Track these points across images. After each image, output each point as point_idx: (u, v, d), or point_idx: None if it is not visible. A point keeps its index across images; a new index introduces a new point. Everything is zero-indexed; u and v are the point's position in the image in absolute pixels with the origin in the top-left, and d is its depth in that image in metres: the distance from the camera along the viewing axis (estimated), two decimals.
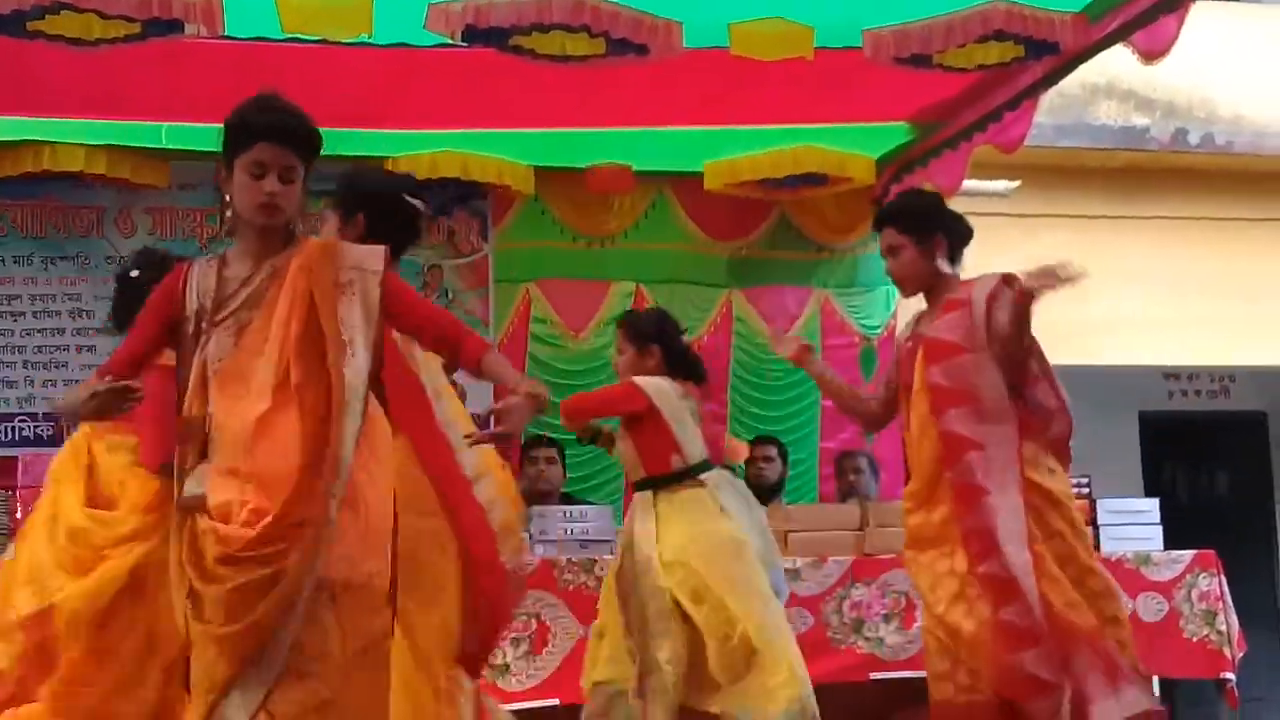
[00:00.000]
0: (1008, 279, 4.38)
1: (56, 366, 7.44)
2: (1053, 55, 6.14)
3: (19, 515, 5.50)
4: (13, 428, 7.32)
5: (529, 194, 7.96)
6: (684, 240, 8.38)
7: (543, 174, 7.93)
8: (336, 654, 3.19)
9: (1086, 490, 6.50)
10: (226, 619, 3.14)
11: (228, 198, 3.43)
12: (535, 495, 6.91)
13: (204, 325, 3.37)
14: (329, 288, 3.34)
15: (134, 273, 4.43)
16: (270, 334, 3.30)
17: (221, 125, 3.47)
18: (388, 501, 3.41)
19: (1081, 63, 6.49)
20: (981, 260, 9.25)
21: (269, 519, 3.15)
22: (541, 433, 7.11)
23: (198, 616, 3.19)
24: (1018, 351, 4.36)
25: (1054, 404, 4.49)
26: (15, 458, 6.22)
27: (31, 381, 7.40)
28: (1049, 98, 7.32)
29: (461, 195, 7.88)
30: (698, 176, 7.99)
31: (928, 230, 4.61)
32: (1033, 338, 4.42)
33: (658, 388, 5.10)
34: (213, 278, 3.41)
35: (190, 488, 3.29)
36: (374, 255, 3.44)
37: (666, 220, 8.37)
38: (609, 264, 8.29)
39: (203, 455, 3.31)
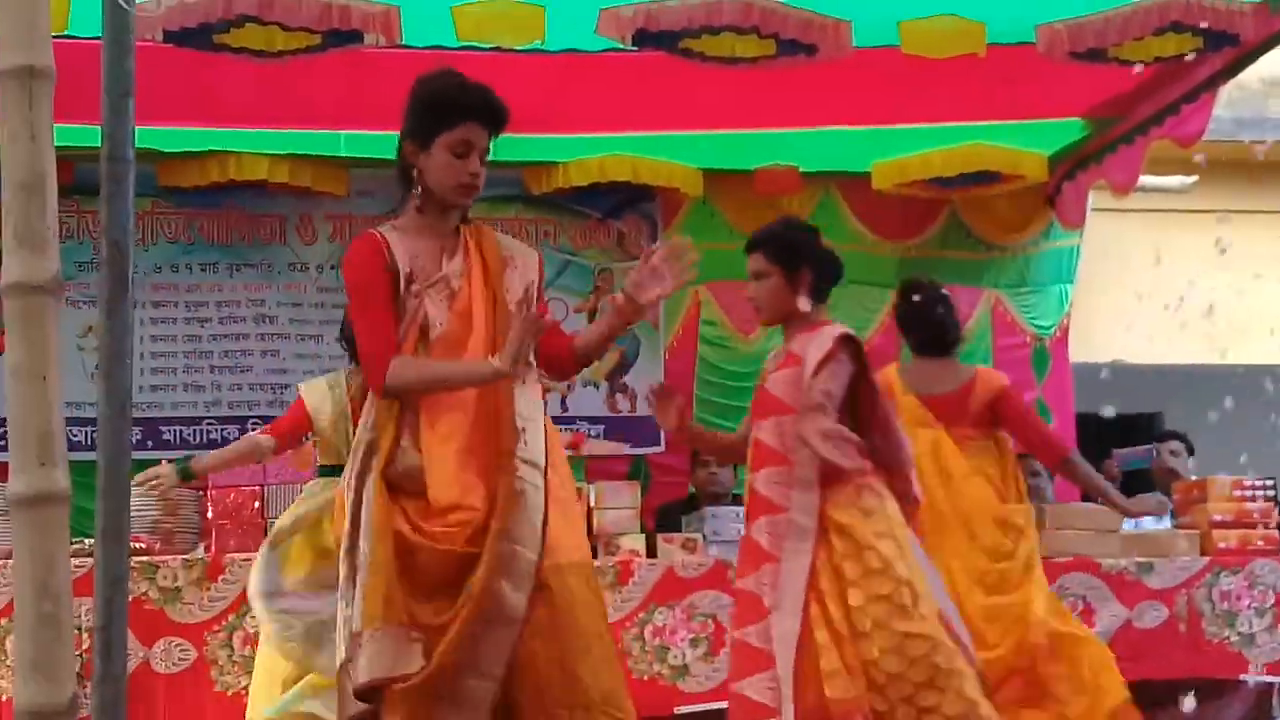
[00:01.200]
0: (843, 340, 4.31)
1: (241, 371, 7.66)
2: (1232, 47, 6.01)
3: (209, 515, 5.68)
4: (201, 430, 7.55)
5: (697, 196, 7.99)
6: (852, 240, 8.31)
7: (711, 176, 7.96)
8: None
9: (1272, 492, 6.36)
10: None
11: (416, 172, 3.44)
12: (707, 497, 6.94)
13: (414, 289, 3.41)
14: (497, 259, 3.49)
15: None
16: (474, 306, 3.41)
17: (418, 99, 3.48)
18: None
19: (1262, 54, 6.34)
20: (1158, 256, 9.09)
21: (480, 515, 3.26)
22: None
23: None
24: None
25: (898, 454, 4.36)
26: None
27: (218, 386, 7.63)
28: (1227, 91, 7.16)
29: (631, 198, 7.95)
30: (866, 176, 7.95)
31: (796, 262, 4.50)
32: (873, 386, 4.35)
33: None
34: (407, 246, 3.44)
35: (402, 460, 3.34)
36: (530, 253, 3.63)
37: (834, 221, 8.31)
38: None
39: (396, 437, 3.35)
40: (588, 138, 7.53)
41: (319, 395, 5.22)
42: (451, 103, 3.44)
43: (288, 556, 4.96)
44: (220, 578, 5.44)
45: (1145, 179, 8.04)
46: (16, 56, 2.15)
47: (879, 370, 5.07)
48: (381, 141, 7.43)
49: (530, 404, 3.39)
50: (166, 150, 7.29)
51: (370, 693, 3.22)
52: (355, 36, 5.45)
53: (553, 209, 8.01)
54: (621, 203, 7.97)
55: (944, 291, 5.48)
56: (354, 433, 3.79)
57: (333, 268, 7.83)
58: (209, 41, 5.47)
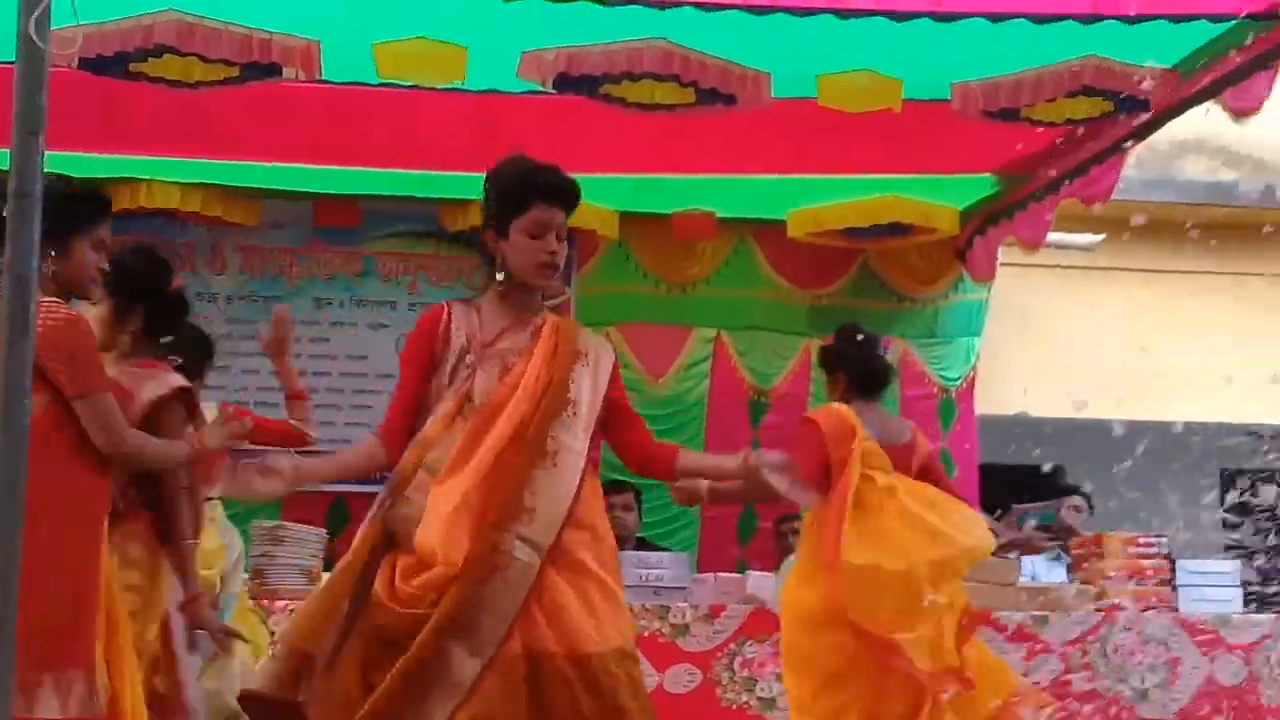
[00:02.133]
0: None
1: None
2: (1142, 111, 6.12)
3: None
4: None
5: (614, 239, 8.01)
6: (766, 288, 8.39)
7: (628, 219, 7.98)
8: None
9: (1166, 550, 6.46)
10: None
11: (499, 259, 3.58)
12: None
13: (467, 360, 3.56)
14: (571, 352, 3.59)
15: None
16: (523, 383, 3.51)
17: (490, 189, 3.63)
18: None
19: (1171, 119, 6.47)
20: (1064, 313, 9.26)
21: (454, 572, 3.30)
22: (618, 478, 7.14)
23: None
24: None
25: None
26: None
27: None
28: (1136, 152, 7.30)
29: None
30: (781, 225, 8.02)
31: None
32: None
33: None
34: (475, 320, 3.60)
35: (405, 504, 3.44)
36: (609, 350, 3.73)
37: (749, 267, 8.39)
38: (690, 310, 8.33)
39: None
40: None
41: None
42: (521, 188, 3.57)
43: None
44: None
45: (1053, 236, 8.17)
46: None
47: (826, 410, 5.10)
48: (296, 174, 7.42)
49: (555, 486, 3.44)
50: (77, 176, 7.18)
51: (250, 703, 3.36)
52: (274, 70, 5.42)
53: (468, 247, 7.97)
54: None
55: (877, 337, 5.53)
56: None
57: (242, 299, 7.76)
58: (125, 70, 5.42)
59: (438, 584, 3.29)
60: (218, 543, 5.10)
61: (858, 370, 5.28)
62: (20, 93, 2.59)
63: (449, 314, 3.61)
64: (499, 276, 3.59)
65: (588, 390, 3.60)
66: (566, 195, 3.65)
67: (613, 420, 3.71)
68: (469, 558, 3.31)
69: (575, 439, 3.52)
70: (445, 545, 3.31)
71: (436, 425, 3.51)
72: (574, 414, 3.54)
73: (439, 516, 3.35)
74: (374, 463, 3.62)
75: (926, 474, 5.16)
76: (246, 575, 5.79)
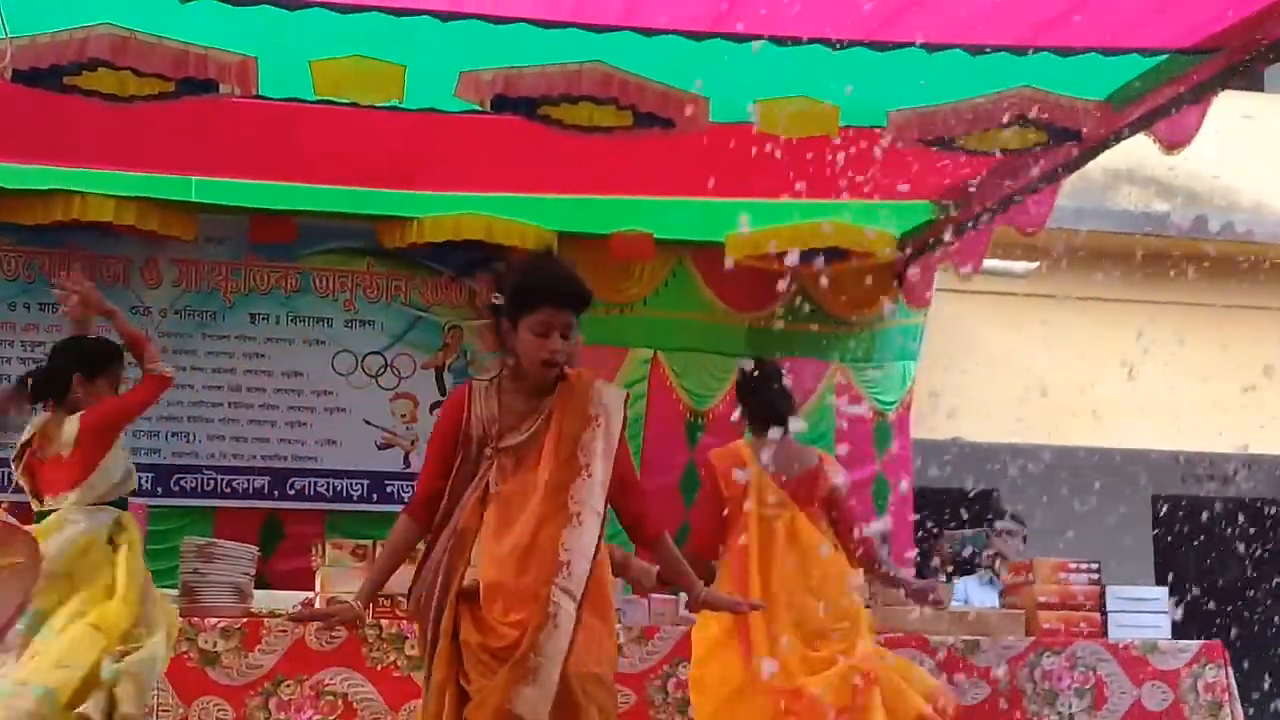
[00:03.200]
0: None
1: None
2: (1075, 142, 6.19)
3: None
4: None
5: None
6: (703, 310, 8.42)
7: (565, 239, 7.96)
8: None
9: (1097, 576, 6.51)
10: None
11: (509, 346, 3.92)
12: None
13: (487, 450, 3.92)
14: (581, 418, 3.91)
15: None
16: (540, 466, 3.87)
17: (509, 285, 3.93)
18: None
19: (1104, 150, 6.54)
20: (999, 339, 9.33)
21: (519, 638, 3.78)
22: None
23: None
24: None
25: None
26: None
27: None
28: (1071, 181, 7.38)
29: (484, 257, 7.92)
30: (719, 247, 8.03)
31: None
32: None
33: None
34: (495, 406, 3.95)
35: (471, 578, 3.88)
36: (619, 399, 4.02)
37: (686, 289, 8.42)
38: (627, 331, 8.33)
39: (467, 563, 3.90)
40: (443, 195, 7.52)
41: None
42: (532, 290, 3.90)
43: None
44: None
45: (989, 263, 8.25)
46: None
47: (721, 450, 5.15)
48: (233, 189, 7.38)
49: (579, 541, 3.83)
50: (8, 186, 7.14)
51: None
52: (210, 86, 5.37)
53: (405, 264, 7.98)
54: (474, 261, 7.95)
55: (780, 368, 5.50)
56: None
57: (176, 313, 7.71)
58: (59, 83, 5.37)
59: (518, 626, 3.78)
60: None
61: (752, 404, 5.34)
62: None
63: (469, 401, 3.97)
64: (509, 361, 3.94)
65: (600, 454, 3.91)
66: (576, 300, 3.93)
67: (621, 483, 4.01)
68: (530, 615, 3.76)
69: (594, 499, 3.88)
70: (507, 623, 3.78)
71: (468, 514, 3.90)
72: (588, 476, 3.88)
73: (497, 591, 3.81)
74: (413, 540, 4.02)
75: (830, 506, 5.19)
76: (175, 592, 5.74)
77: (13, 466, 5.21)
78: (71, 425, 5.09)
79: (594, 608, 3.91)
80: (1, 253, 7.50)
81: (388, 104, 5.68)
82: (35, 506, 5.12)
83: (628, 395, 4.10)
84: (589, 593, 3.87)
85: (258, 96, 5.63)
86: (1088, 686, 6.15)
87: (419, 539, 4.03)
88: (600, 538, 3.90)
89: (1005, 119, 5.89)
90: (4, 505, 5.14)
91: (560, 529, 3.83)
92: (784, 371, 5.43)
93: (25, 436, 5.22)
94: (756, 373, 5.40)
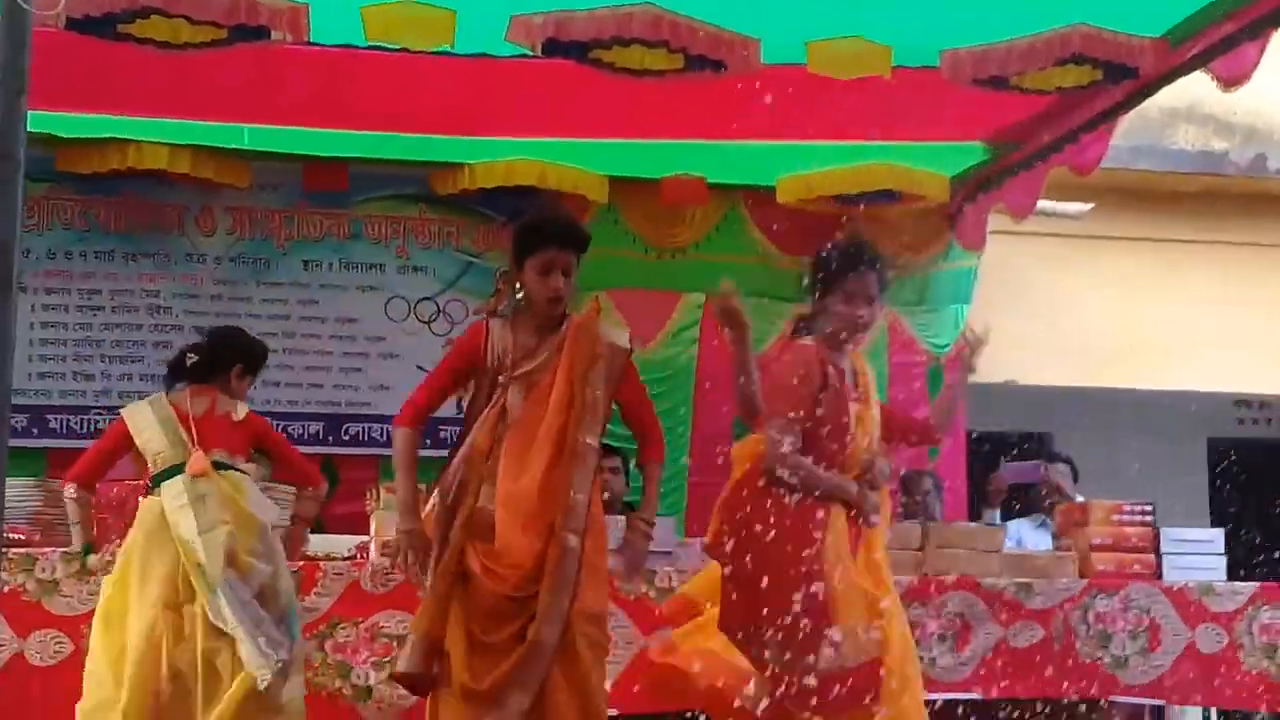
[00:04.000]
0: None
1: (133, 361, 7.57)
2: (1132, 80, 6.12)
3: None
4: (88, 419, 7.44)
5: (603, 203, 8.00)
6: (755, 254, 8.39)
7: (617, 184, 7.98)
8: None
9: (1150, 518, 6.47)
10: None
11: (517, 285, 4.37)
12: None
13: (500, 379, 4.30)
14: (587, 357, 4.30)
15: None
16: (552, 399, 4.23)
17: (514, 231, 4.44)
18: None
19: (1161, 88, 6.46)
20: (1053, 281, 9.25)
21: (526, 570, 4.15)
22: (607, 442, 7.15)
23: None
24: None
25: None
26: None
27: (108, 375, 7.53)
28: (1126, 120, 7.28)
29: (536, 203, 7.93)
30: (771, 190, 8.01)
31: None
32: None
33: None
34: (509, 338, 4.35)
35: (486, 507, 4.22)
36: (622, 336, 4.47)
37: (738, 233, 8.40)
38: (679, 275, 8.33)
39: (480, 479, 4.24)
40: (495, 141, 7.52)
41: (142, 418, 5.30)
42: (534, 232, 4.35)
43: None
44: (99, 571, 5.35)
45: (1043, 204, 8.17)
46: None
47: None
48: (285, 136, 7.41)
49: (584, 481, 4.21)
50: (65, 135, 7.19)
51: (408, 681, 4.31)
52: (262, 33, 5.39)
53: (457, 210, 8.00)
54: (526, 207, 7.94)
55: None
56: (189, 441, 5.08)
57: (231, 260, 7.76)
58: (112, 31, 5.39)
59: (515, 571, 4.15)
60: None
61: None
62: (3, 54, 2.59)
63: (487, 333, 4.36)
64: (519, 299, 4.37)
65: (602, 389, 4.29)
66: (575, 240, 4.37)
67: (623, 392, 4.46)
68: (548, 558, 4.13)
69: (593, 436, 4.27)
70: (519, 551, 4.15)
71: (483, 433, 4.26)
72: (595, 414, 4.27)
73: (511, 524, 4.16)
74: (416, 448, 4.40)
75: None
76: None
77: (144, 412, 5.30)
78: (242, 408, 5.32)
79: (594, 541, 4.27)
80: (58, 201, 7.55)
81: (438, 49, 5.68)
82: (196, 450, 5.17)
83: (630, 333, 4.54)
84: (589, 526, 4.21)
85: (309, 43, 5.64)
86: (1141, 629, 6.12)
87: (419, 445, 4.41)
88: (595, 468, 4.27)
89: (1060, 57, 5.82)
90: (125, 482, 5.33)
91: (573, 469, 4.19)
92: None
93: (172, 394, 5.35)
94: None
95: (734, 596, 4.36)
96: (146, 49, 5.57)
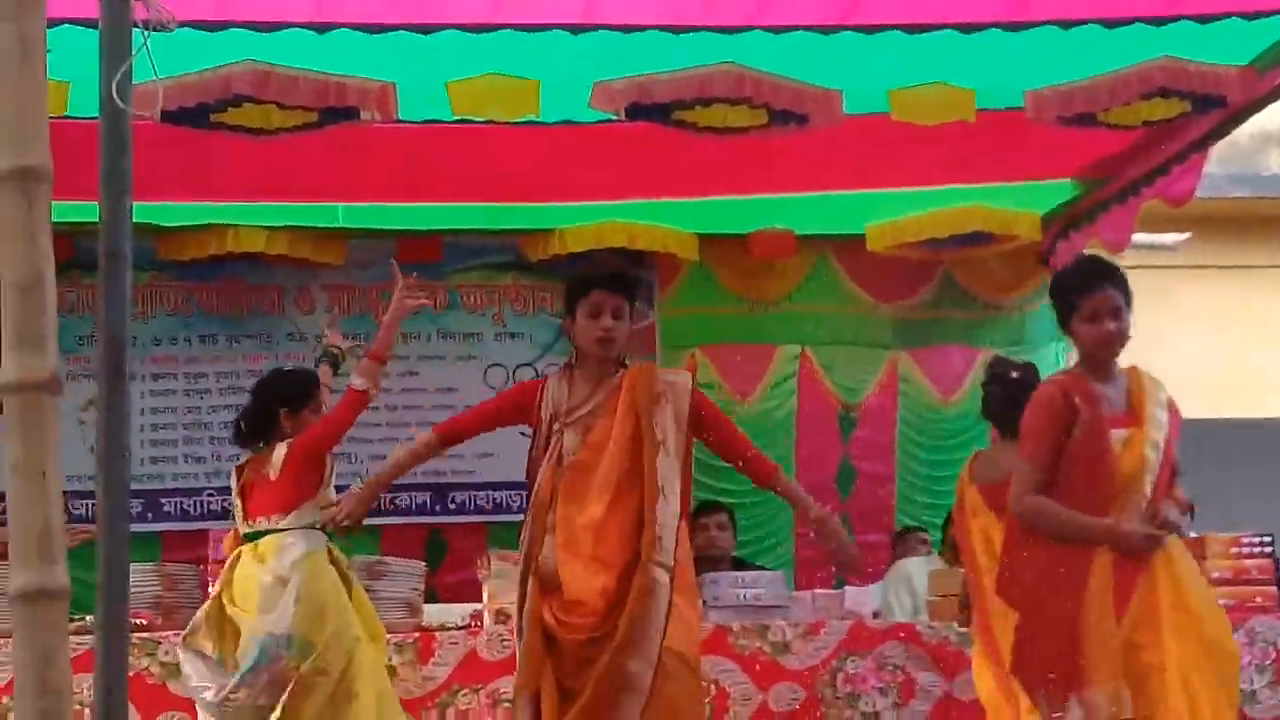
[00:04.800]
0: None
1: None
2: (1220, 109, 6.06)
3: (210, 589, 5.68)
4: (201, 502, 7.57)
5: (693, 261, 8.04)
6: (848, 302, 8.39)
7: (706, 241, 8.01)
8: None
9: (1270, 549, 6.35)
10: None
11: (571, 337, 4.46)
12: (706, 561, 6.93)
13: (556, 427, 4.34)
14: (649, 396, 4.30)
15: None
16: (611, 439, 4.26)
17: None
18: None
19: (1250, 115, 6.40)
20: (1155, 312, 9.14)
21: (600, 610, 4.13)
22: (712, 499, 7.16)
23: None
24: None
25: None
26: (205, 531, 6.40)
27: (218, 456, 7.65)
28: (1219, 147, 7.22)
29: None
30: (860, 238, 8.00)
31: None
32: None
33: None
34: (565, 388, 4.40)
35: (545, 564, 4.24)
36: (685, 379, 4.47)
37: (830, 283, 8.39)
38: (774, 328, 8.34)
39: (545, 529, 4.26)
40: (583, 206, 7.59)
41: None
42: (580, 278, 4.47)
43: None
44: None
45: (1139, 237, 8.10)
46: (14, 158, 2.19)
47: None
48: (378, 213, 7.54)
49: (669, 513, 4.18)
50: (165, 224, 7.35)
51: None
52: (351, 113, 5.49)
53: (549, 275, 8.05)
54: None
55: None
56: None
57: None
58: (206, 120, 5.51)
59: (592, 614, 4.14)
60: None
61: (988, 416, 5.54)
62: (106, 156, 2.67)
63: (544, 388, 4.44)
64: (573, 350, 4.45)
65: (671, 426, 4.28)
66: (620, 282, 4.44)
67: (706, 427, 4.47)
68: (619, 593, 4.10)
69: (672, 471, 4.23)
70: (590, 591, 4.14)
71: (544, 484, 4.30)
72: (666, 451, 4.23)
73: (574, 566, 4.16)
74: (427, 455, 4.61)
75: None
76: None
77: (231, 484, 5.43)
78: (280, 451, 5.29)
79: (680, 588, 4.20)
80: (161, 288, 7.72)
81: (524, 119, 5.75)
82: (242, 528, 5.31)
83: (693, 375, 4.59)
84: (675, 572, 4.16)
85: (397, 121, 5.74)
86: (1268, 662, 6.00)
87: (429, 457, 4.62)
88: (683, 514, 4.25)
89: (1146, 91, 5.78)
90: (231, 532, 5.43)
91: (654, 503, 4.15)
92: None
93: (244, 461, 5.45)
94: (992, 373, 5.46)
95: (1017, 641, 4.35)
96: (239, 136, 5.69)
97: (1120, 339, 4.34)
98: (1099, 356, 4.35)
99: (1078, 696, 4.09)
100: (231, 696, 4.98)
